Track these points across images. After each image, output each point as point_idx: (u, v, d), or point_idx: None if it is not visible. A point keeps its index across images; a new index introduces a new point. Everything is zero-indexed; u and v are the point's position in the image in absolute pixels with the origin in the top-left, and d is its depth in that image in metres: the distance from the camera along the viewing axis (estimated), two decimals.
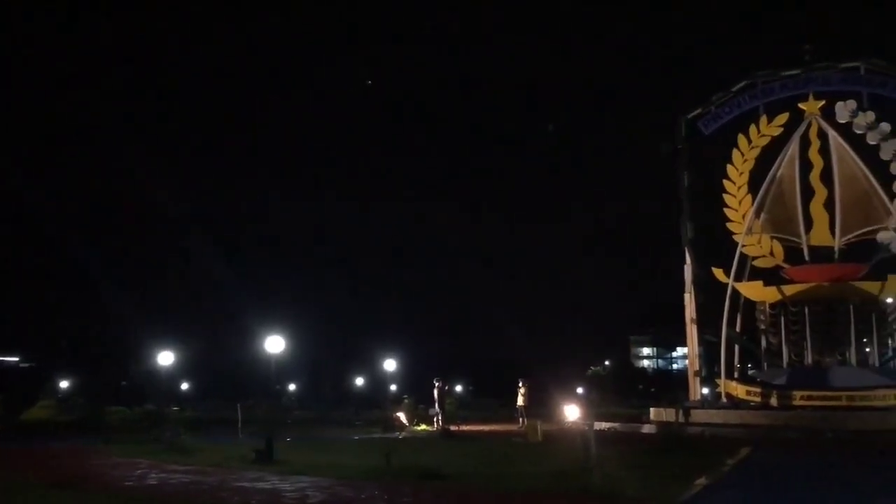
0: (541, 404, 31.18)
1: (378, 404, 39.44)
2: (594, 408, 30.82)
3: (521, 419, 28.04)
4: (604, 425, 23.47)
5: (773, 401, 29.32)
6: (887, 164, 30.45)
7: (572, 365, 56.67)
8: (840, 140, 31.13)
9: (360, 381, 55.48)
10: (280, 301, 50.88)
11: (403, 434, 26.21)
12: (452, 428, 26.61)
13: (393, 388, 41.35)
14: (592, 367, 70.32)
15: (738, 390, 30.96)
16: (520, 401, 29.27)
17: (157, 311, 55.14)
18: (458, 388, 55.08)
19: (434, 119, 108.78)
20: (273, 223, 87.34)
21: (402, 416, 29.46)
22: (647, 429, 26.18)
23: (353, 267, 79.77)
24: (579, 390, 44.01)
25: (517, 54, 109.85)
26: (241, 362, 43.72)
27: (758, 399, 30.03)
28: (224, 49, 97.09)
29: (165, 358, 32.31)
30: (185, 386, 57.47)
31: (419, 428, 28.48)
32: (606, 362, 76.14)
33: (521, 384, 29.40)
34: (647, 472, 13.74)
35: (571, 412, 24.39)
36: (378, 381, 44.16)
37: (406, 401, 32.04)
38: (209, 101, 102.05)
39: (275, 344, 21.20)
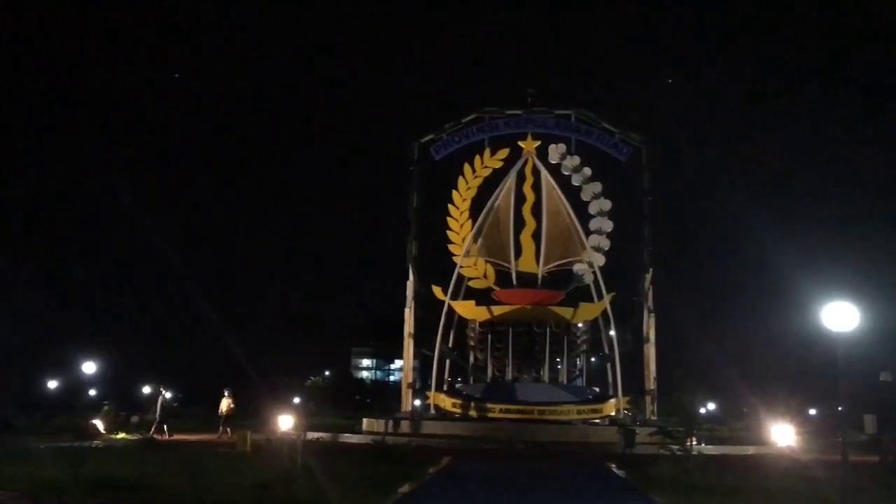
0: (254, 414, 30.46)
1: (73, 410, 35.92)
2: (310, 418, 30.78)
3: (222, 428, 27.39)
4: (315, 435, 23.45)
5: (475, 413, 31.37)
6: (586, 204, 34.28)
7: (292, 375, 56.05)
8: (550, 179, 34.41)
9: (53, 384, 50.09)
10: None
11: (98, 443, 24.10)
12: (156, 437, 25.03)
13: (92, 392, 37.93)
14: (312, 378, 70.30)
15: (446, 402, 32.72)
16: (223, 409, 28.50)
17: None
18: (167, 395, 51.92)
19: (153, 119, 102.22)
20: None
21: (99, 423, 27.13)
22: (358, 439, 26.65)
23: (48, 262, 71.77)
24: (296, 400, 43.68)
25: (263, 63, 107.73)
26: None
27: (462, 411, 31.97)
28: None
29: None
30: None
31: (118, 436, 26.42)
32: (327, 373, 76.62)
33: (226, 393, 28.67)
34: (352, 482, 13.99)
35: (285, 422, 24.11)
36: (75, 384, 40.22)
37: (106, 407, 29.61)
38: None
39: None
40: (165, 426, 26.79)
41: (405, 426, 29.54)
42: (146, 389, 46.36)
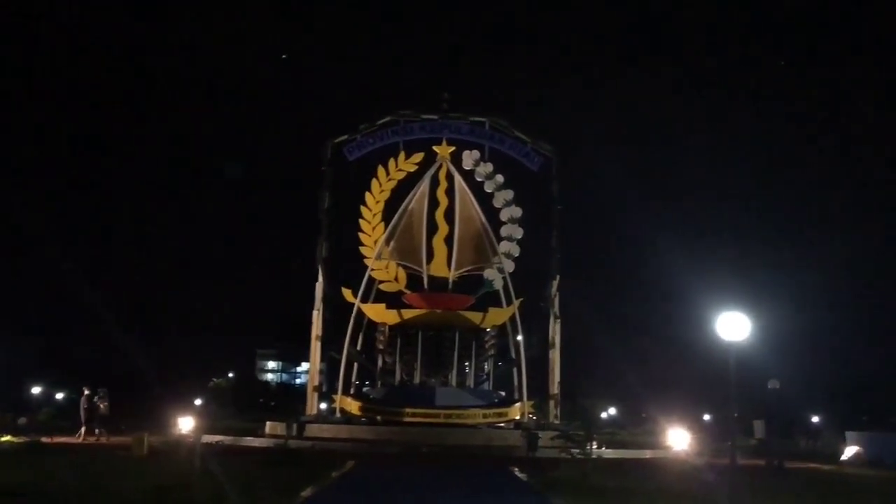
0: (152, 417, 29.47)
1: None
2: (212, 420, 30.00)
3: (99, 430, 26.77)
4: (216, 438, 22.90)
5: (381, 417, 31.23)
6: (498, 210, 34.75)
7: (194, 376, 54.54)
8: (463, 184, 34.69)
9: None
10: None
11: None
12: (44, 440, 23.90)
13: None
14: (215, 379, 68.50)
15: (352, 406, 32.44)
16: (101, 410, 27.64)
17: None
18: (59, 395, 49.64)
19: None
20: None
21: None
22: (260, 442, 26.15)
23: None
24: (197, 402, 42.49)
25: (173, 55, 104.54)
26: None
27: (368, 414, 31.78)
28: None
29: None
30: None
31: (3, 439, 25.04)
32: (230, 374, 74.82)
33: (100, 393, 27.79)
34: (253, 485, 13.71)
35: (185, 424, 23.46)
36: None
37: None
38: None
39: None
40: (84, 428, 26.38)
41: (311, 429, 29.06)
42: (35, 390, 44.20)
